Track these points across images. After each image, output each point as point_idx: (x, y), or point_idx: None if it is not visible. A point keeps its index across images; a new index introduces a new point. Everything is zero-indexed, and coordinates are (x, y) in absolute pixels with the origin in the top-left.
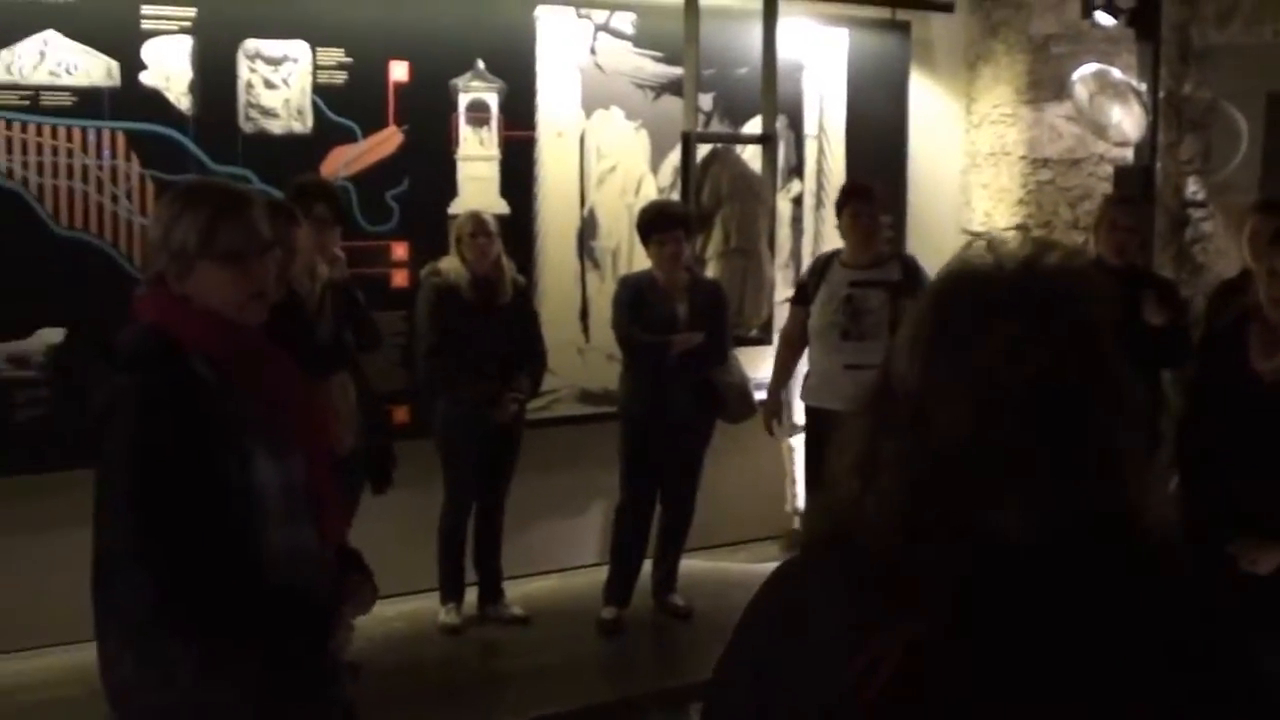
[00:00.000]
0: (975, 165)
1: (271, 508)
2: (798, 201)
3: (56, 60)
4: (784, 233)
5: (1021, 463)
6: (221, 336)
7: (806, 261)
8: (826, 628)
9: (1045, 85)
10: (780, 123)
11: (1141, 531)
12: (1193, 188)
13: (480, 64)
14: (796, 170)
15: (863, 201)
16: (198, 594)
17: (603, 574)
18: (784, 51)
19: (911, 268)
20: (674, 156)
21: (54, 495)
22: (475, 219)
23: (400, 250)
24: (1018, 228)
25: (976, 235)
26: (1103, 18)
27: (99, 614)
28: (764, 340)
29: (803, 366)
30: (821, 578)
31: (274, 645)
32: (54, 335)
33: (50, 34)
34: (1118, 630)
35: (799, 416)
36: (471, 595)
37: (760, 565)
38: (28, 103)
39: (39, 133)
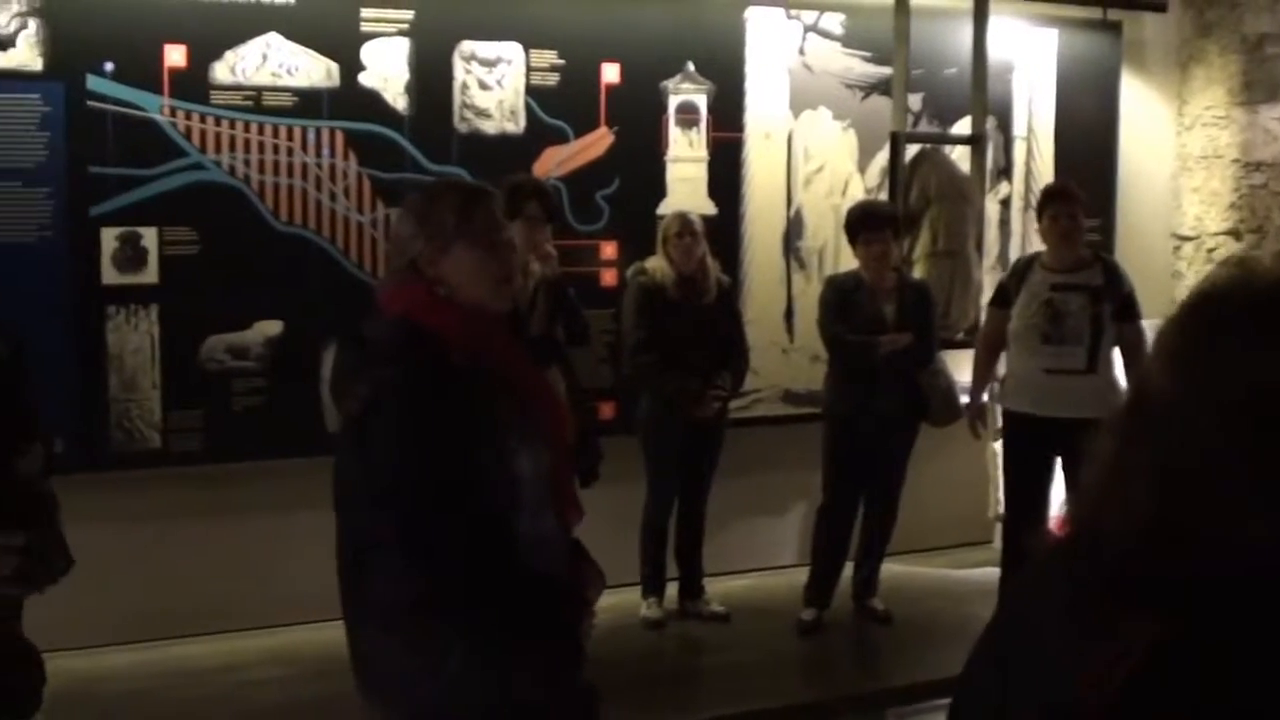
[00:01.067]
0: (1186, 168)
1: (526, 497)
2: (1005, 203)
3: (278, 62)
4: (991, 235)
5: (1271, 474)
6: (473, 327)
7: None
8: (1065, 630)
9: (1259, 87)
10: (989, 123)
11: None
12: None
13: (690, 66)
14: (1005, 172)
15: (1063, 203)
16: (466, 582)
17: (802, 575)
18: (993, 51)
19: (1113, 272)
20: (881, 157)
21: (270, 481)
22: (681, 219)
23: (609, 249)
24: (1229, 233)
25: (1184, 239)
26: None
27: (354, 603)
28: (970, 343)
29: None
30: (1063, 581)
31: (535, 632)
32: (272, 328)
33: (273, 36)
34: None
35: (1000, 420)
36: (672, 590)
37: (961, 571)
38: (250, 103)
39: (261, 132)
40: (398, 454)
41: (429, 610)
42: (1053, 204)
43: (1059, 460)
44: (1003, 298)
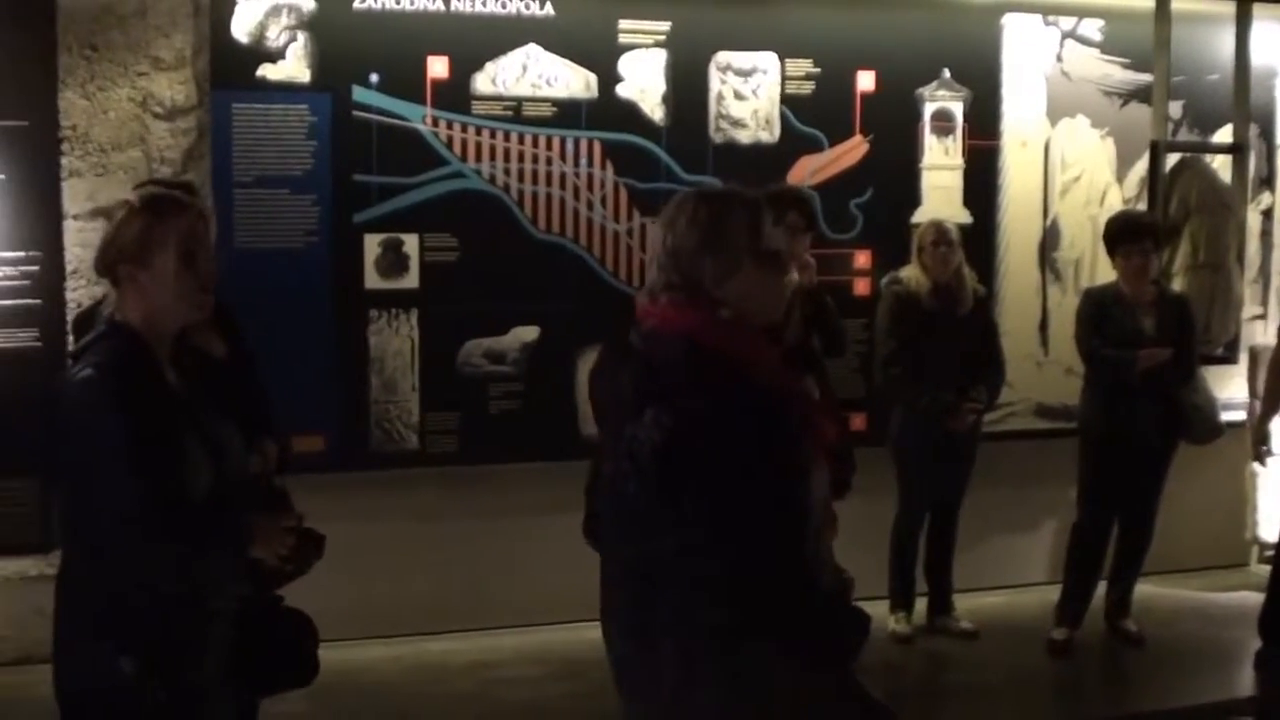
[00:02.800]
0: None
1: (815, 516)
2: (1268, 214)
3: (538, 73)
4: (1253, 247)
5: None
6: (763, 349)
7: (1276, 278)
8: None
9: None
10: (1251, 131)
11: None
12: None
13: (946, 73)
14: (1267, 182)
15: None
16: (769, 603)
17: (1053, 593)
18: (1256, 57)
19: None
20: (1140, 166)
21: (523, 484)
22: (937, 228)
23: (862, 258)
24: None
25: None
26: None
27: (642, 617)
28: (1230, 359)
29: None
30: None
31: (833, 651)
32: (529, 333)
33: (532, 48)
34: None
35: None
36: (921, 605)
37: (1216, 594)
38: (511, 113)
39: (520, 141)
40: (723, 491)
41: (735, 630)
42: None
43: None
44: None
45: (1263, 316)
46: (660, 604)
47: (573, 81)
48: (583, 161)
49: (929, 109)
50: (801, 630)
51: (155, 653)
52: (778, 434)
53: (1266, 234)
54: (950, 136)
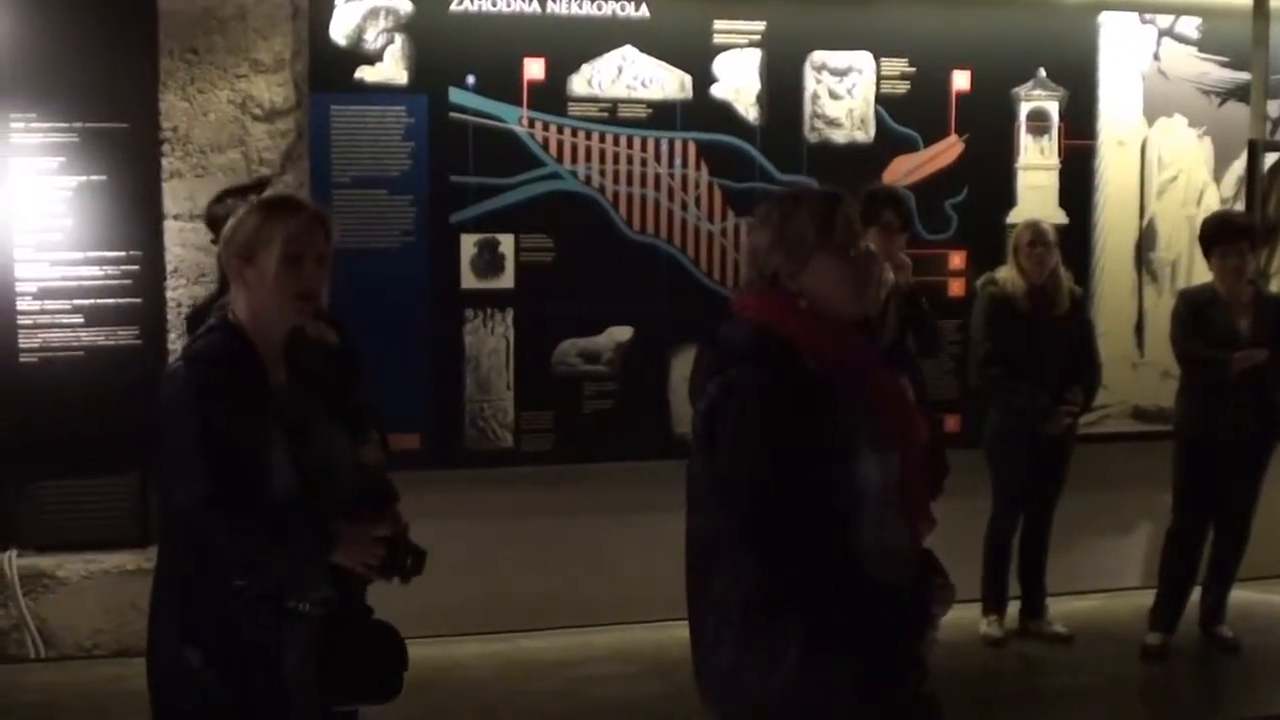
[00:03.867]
0: None
1: (870, 505)
2: None
3: (633, 74)
4: None
5: None
6: (828, 336)
7: None
8: None
9: None
10: None
11: None
12: None
13: (1042, 72)
14: None
15: None
16: (804, 580)
17: (1148, 598)
18: None
19: None
20: (1238, 166)
21: (616, 483)
22: (1034, 229)
23: (957, 259)
24: None
25: None
26: None
27: (696, 597)
28: None
29: None
30: None
31: (871, 638)
32: (623, 333)
33: (628, 49)
34: None
35: None
36: (1013, 608)
37: None
38: (606, 114)
39: (615, 142)
40: (739, 451)
41: (765, 609)
42: None
43: None
44: None
45: None
46: (708, 582)
47: (668, 82)
48: (677, 162)
49: (1025, 109)
50: (823, 617)
51: (223, 648)
52: (819, 413)
53: None
54: (1046, 136)
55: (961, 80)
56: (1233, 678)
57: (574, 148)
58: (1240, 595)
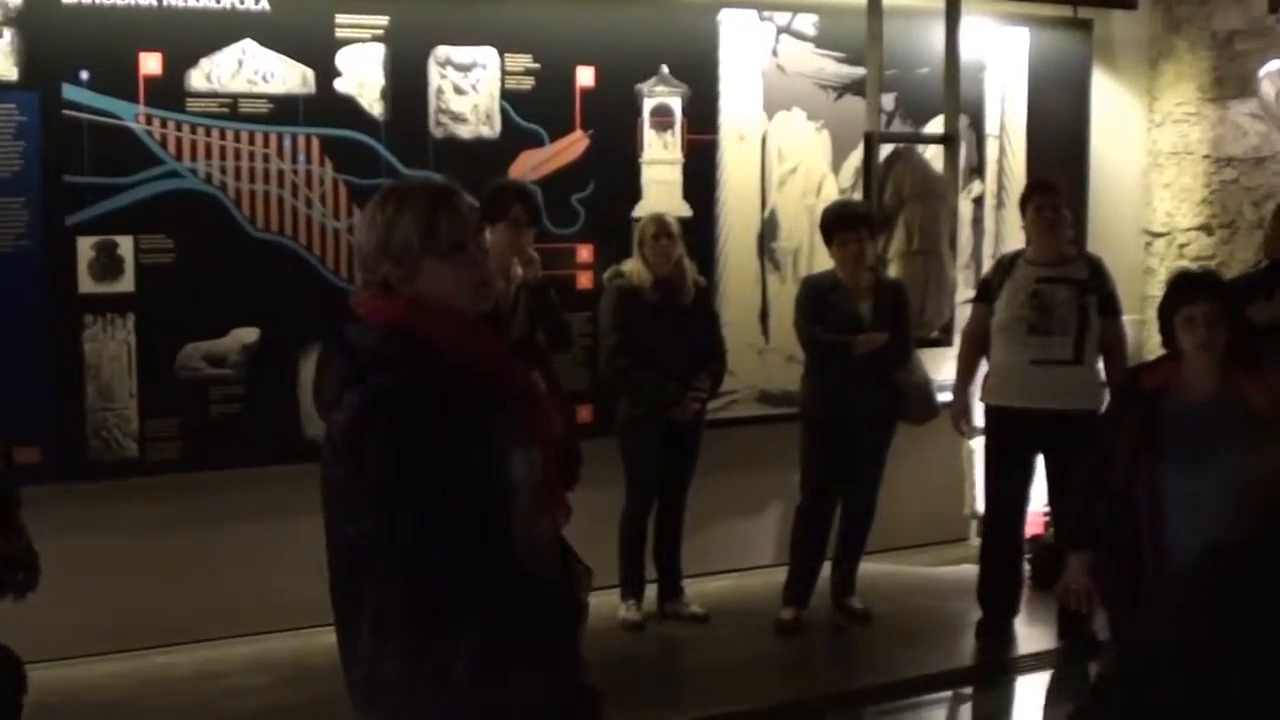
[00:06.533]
0: (1157, 165)
1: (521, 501)
2: (979, 202)
3: (254, 68)
4: (965, 233)
5: None
6: (464, 333)
7: (987, 262)
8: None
9: (1229, 82)
10: (962, 122)
11: None
12: None
13: (664, 69)
14: (978, 170)
15: (1046, 195)
16: (472, 584)
17: (780, 575)
18: (966, 51)
19: (1097, 267)
20: (855, 157)
21: (248, 489)
22: (658, 221)
23: (585, 253)
24: (1200, 229)
25: (1156, 236)
26: None
27: (350, 608)
28: (944, 342)
29: (982, 368)
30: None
31: (538, 639)
32: (249, 335)
33: (248, 43)
34: None
35: (978, 419)
36: (651, 592)
37: (938, 569)
38: (226, 110)
39: (236, 139)
40: (396, 461)
41: (431, 618)
42: (1036, 196)
43: (1040, 457)
44: (986, 293)
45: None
46: (366, 592)
47: (289, 77)
48: (301, 158)
49: (648, 104)
50: (494, 619)
51: None
52: (467, 414)
53: (978, 221)
54: (669, 131)
55: (586, 76)
56: (864, 647)
57: (194, 145)
58: (869, 567)
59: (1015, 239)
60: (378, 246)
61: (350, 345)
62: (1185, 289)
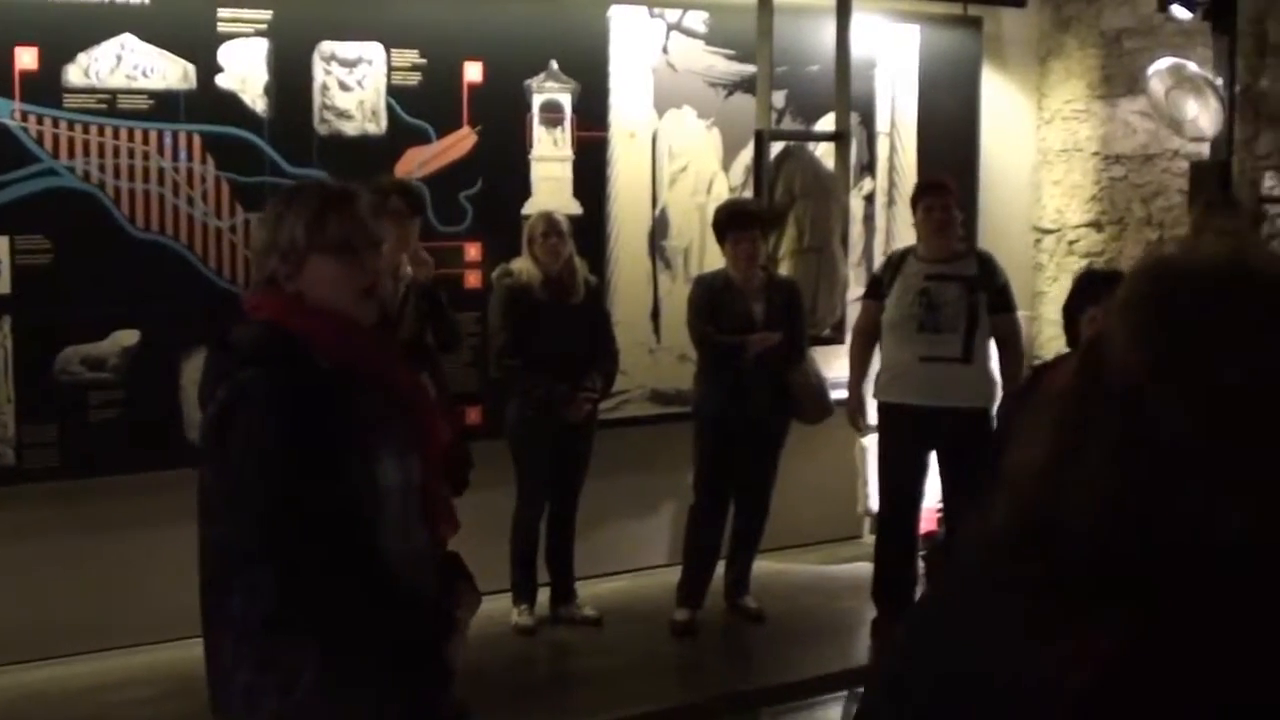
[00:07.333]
0: (1047, 162)
1: (392, 509)
2: (869, 199)
3: (133, 64)
4: (856, 231)
5: (1243, 462)
6: (339, 333)
7: (878, 260)
8: (1016, 618)
9: (1118, 80)
10: (852, 120)
11: None
12: (1270, 183)
13: (554, 64)
14: (868, 168)
15: (936, 195)
16: (322, 597)
17: (674, 575)
18: (856, 48)
19: (987, 264)
20: (746, 155)
21: (130, 495)
22: (547, 219)
23: (473, 251)
24: (1089, 225)
25: (1045, 232)
26: (1179, 11)
27: (211, 616)
28: (837, 340)
29: (874, 365)
30: (1009, 570)
31: (396, 651)
32: (129, 338)
33: (127, 37)
34: None
35: (872, 416)
36: (544, 596)
37: (832, 567)
38: (105, 106)
39: (116, 135)
40: (254, 458)
41: (283, 625)
42: (927, 196)
43: (934, 454)
44: (876, 290)
45: None
46: (225, 597)
47: (170, 72)
48: (182, 155)
49: (538, 100)
50: (356, 629)
51: None
52: (335, 413)
53: (869, 218)
54: (559, 128)
55: (474, 72)
56: (759, 646)
57: (71, 142)
58: (763, 566)
59: (906, 236)
60: (267, 241)
61: (228, 342)
62: (1090, 287)
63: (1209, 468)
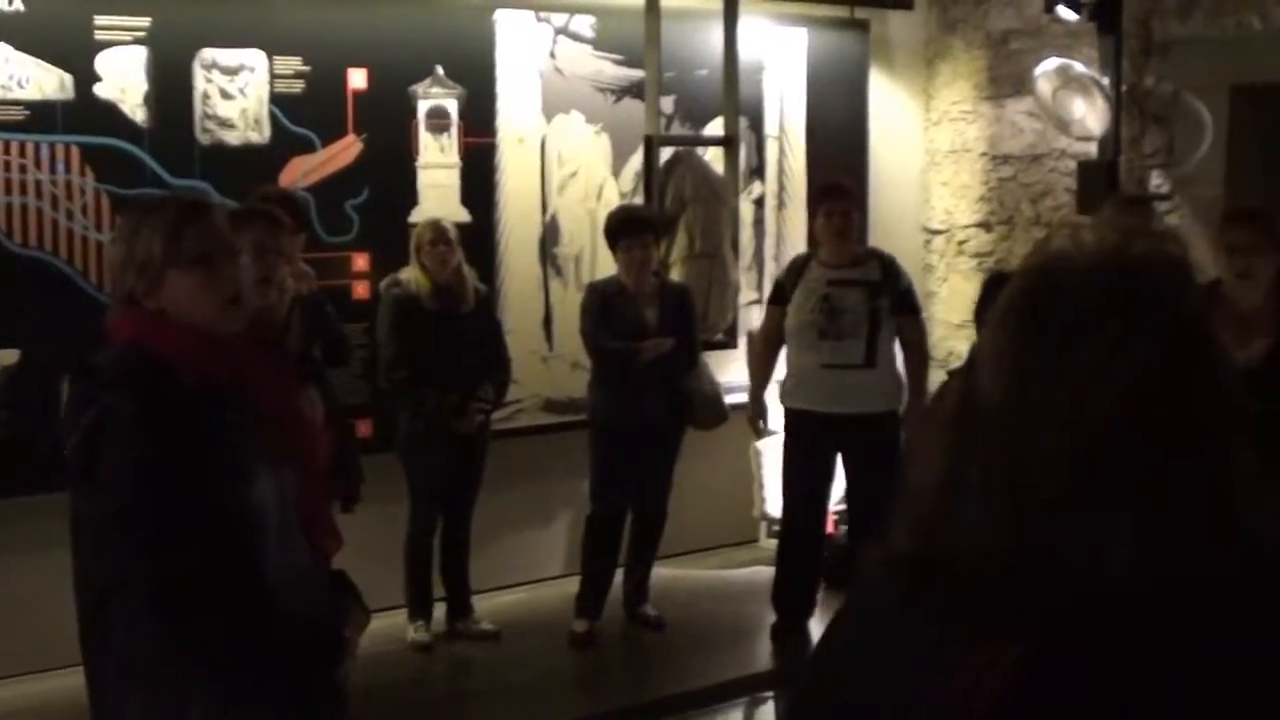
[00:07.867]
0: (935, 163)
1: (270, 526)
2: (759, 203)
3: (8, 73)
4: (746, 235)
5: (1122, 482)
6: (204, 349)
7: (769, 263)
8: (916, 644)
9: (1005, 81)
10: (741, 124)
11: (1257, 557)
12: (1156, 181)
13: (439, 70)
14: (758, 171)
15: (836, 200)
16: (204, 624)
17: (572, 585)
18: (744, 52)
19: (890, 267)
20: (635, 160)
21: (8, 521)
22: (435, 227)
23: (361, 261)
24: (979, 225)
25: (935, 233)
26: (1064, 12)
27: (93, 650)
28: (729, 344)
29: (779, 370)
30: (908, 595)
31: (286, 676)
32: (7, 357)
33: (1, 46)
34: (1230, 661)
35: (773, 421)
36: (440, 611)
37: (730, 572)
38: None
39: None
40: (123, 486)
41: (169, 657)
42: (826, 200)
43: (839, 458)
44: (779, 295)
45: (758, 301)
46: (106, 630)
47: (46, 82)
48: (60, 167)
49: (423, 106)
50: (243, 657)
51: None
52: (203, 433)
53: (759, 222)
54: (446, 134)
55: (358, 78)
56: (659, 655)
57: None
58: (661, 573)
59: (797, 239)
60: (123, 258)
61: (91, 367)
62: (997, 289)
63: (1082, 498)
